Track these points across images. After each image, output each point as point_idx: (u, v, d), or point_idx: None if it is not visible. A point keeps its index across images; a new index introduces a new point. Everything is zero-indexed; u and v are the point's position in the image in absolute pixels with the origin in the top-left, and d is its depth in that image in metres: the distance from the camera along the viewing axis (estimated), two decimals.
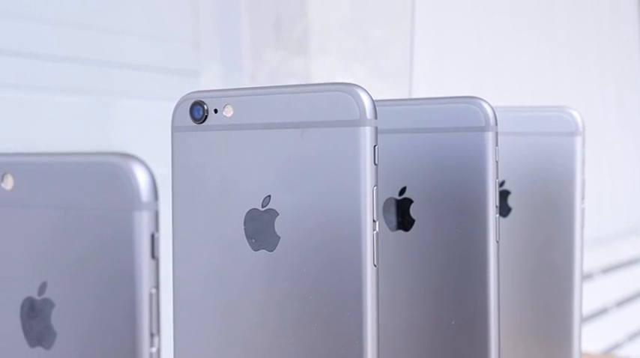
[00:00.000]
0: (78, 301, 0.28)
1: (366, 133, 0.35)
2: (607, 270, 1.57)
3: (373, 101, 0.36)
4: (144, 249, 0.26)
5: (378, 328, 0.36)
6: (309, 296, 0.36)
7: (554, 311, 0.53)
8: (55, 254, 0.28)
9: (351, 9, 1.25)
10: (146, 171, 0.26)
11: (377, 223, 0.36)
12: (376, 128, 0.36)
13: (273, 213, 0.37)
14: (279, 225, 0.37)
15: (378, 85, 1.20)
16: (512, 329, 0.53)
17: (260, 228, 0.37)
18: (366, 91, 0.36)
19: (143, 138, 0.96)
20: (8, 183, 0.29)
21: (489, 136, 0.42)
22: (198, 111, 0.39)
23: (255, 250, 0.38)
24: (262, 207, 0.37)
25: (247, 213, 0.38)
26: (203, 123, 0.38)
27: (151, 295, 0.26)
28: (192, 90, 0.39)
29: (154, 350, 0.26)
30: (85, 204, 0.28)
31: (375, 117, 0.36)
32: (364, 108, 0.35)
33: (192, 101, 0.39)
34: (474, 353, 0.43)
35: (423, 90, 1.21)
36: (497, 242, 0.43)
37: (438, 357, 0.44)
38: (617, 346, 1.58)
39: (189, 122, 0.39)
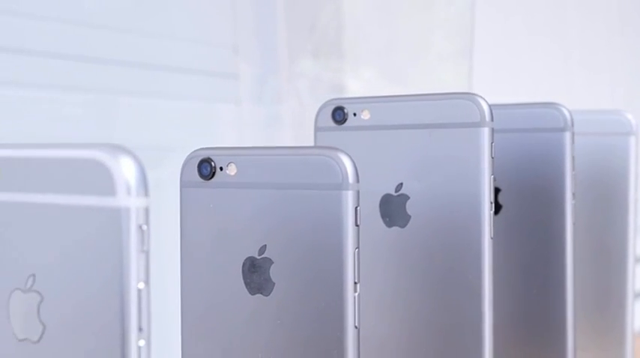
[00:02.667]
0: (292, 258, 0.37)
1: (485, 133, 0.44)
2: None
3: (490, 106, 0.45)
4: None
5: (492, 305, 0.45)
6: (436, 264, 0.45)
7: (609, 292, 0.62)
8: (274, 222, 0.37)
9: (385, 16, 1.31)
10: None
11: (493, 204, 0.45)
12: (492, 129, 0.45)
13: (405, 197, 0.46)
14: (410, 207, 0.46)
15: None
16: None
17: (393, 209, 0.46)
18: (483, 98, 0.45)
19: (187, 137, 1.03)
20: (232, 170, 0.38)
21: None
22: (340, 114, 0.48)
23: (389, 227, 0.47)
24: (395, 192, 0.46)
25: (382, 197, 0.47)
26: (344, 124, 0.47)
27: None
28: (334, 97, 0.48)
29: None
30: (297, 185, 0.36)
31: (492, 120, 0.45)
32: (484, 113, 0.44)
33: (334, 106, 0.48)
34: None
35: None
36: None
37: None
38: None
39: (331, 123, 0.48)
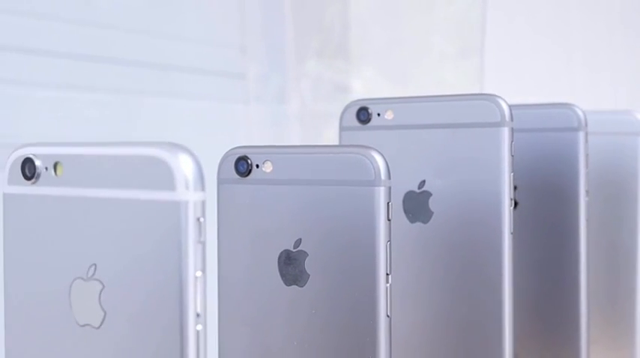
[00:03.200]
0: (326, 251, 0.39)
1: (505, 133, 0.46)
2: None
3: (510, 107, 0.47)
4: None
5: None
6: (458, 258, 0.47)
7: (619, 286, 0.64)
8: (309, 217, 0.39)
9: (393, 19, 1.33)
10: None
11: (513, 201, 0.47)
12: (512, 129, 0.47)
13: (428, 194, 0.48)
14: (432, 203, 0.48)
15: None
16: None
17: (416, 206, 0.48)
18: (504, 99, 0.47)
19: (197, 135, 1.04)
20: (268, 167, 0.40)
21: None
22: (364, 114, 0.50)
23: (412, 223, 0.49)
24: (418, 189, 0.48)
25: (405, 194, 0.49)
26: (368, 124, 0.49)
27: None
28: (358, 99, 0.50)
29: None
30: (331, 182, 0.38)
31: (512, 120, 0.47)
32: (504, 113, 0.46)
33: (359, 107, 0.50)
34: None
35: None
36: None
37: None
38: None
39: (356, 123, 0.50)
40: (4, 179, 0.32)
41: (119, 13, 0.94)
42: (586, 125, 0.55)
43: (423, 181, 0.48)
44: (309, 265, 0.39)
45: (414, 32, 1.34)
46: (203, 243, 0.29)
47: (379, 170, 0.38)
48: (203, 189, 0.29)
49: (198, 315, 0.28)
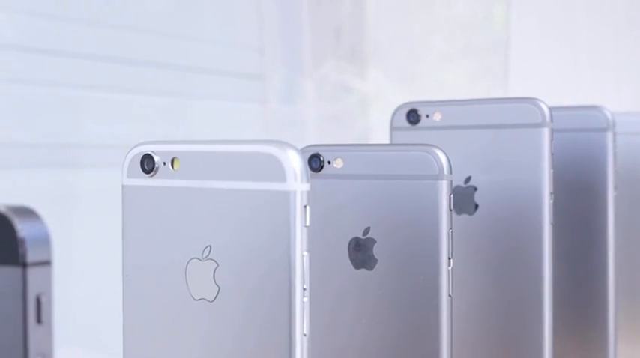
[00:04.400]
0: (393, 238, 0.43)
1: (546, 133, 0.51)
2: None
3: (550, 109, 0.51)
4: None
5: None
6: (501, 248, 0.52)
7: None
8: (378, 208, 0.44)
9: (406, 21, 1.37)
10: None
11: (552, 194, 0.51)
12: (552, 129, 0.51)
13: (473, 188, 0.53)
14: (477, 197, 0.53)
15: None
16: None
17: (463, 199, 0.53)
18: (544, 102, 0.52)
19: (217, 135, 1.09)
20: (339, 163, 0.45)
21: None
22: (414, 116, 0.54)
23: (458, 215, 0.53)
24: (464, 184, 0.53)
25: (453, 189, 0.53)
26: (418, 125, 0.54)
27: None
28: (409, 101, 0.55)
29: None
30: (398, 176, 0.43)
31: (552, 121, 0.51)
32: (544, 115, 0.51)
33: (409, 109, 0.54)
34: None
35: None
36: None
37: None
38: None
39: (405, 124, 0.54)
40: (124, 172, 0.37)
41: (147, 16, 0.97)
42: (614, 125, 0.59)
43: (469, 177, 0.53)
44: (377, 251, 0.44)
45: (433, 35, 1.38)
46: (308, 228, 0.33)
47: (442, 165, 0.43)
48: (308, 181, 0.33)
49: (304, 289, 0.33)
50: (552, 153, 0.52)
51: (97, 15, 0.91)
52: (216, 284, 0.35)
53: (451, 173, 0.43)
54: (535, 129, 0.51)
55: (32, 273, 0.32)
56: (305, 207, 0.33)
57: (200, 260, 0.35)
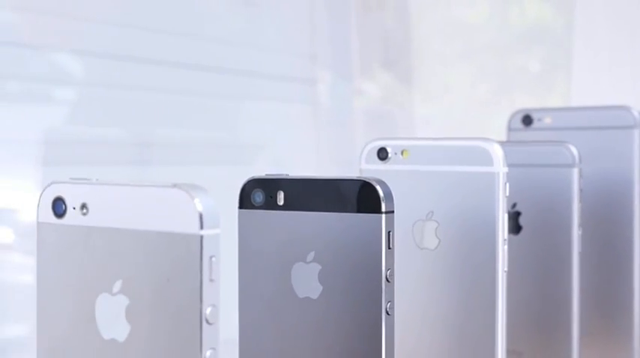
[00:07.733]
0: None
1: (636, 134, 0.62)
2: None
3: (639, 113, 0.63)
4: None
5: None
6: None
7: None
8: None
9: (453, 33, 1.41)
10: None
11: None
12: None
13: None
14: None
15: None
16: None
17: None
18: (635, 109, 0.63)
19: (272, 136, 1.13)
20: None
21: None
22: (528, 120, 0.61)
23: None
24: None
25: None
26: (531, 126, 0.64)
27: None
28: (523, 108, 0.61)
29: None
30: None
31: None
32: (636, 119, 0.63)
33: (524, 113, 0.60)
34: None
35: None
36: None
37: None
38: None
39: (520, 126, 0.64)
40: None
41: (202, 23, 1.02)
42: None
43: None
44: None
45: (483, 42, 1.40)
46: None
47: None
48: (505, 165, 0.46)
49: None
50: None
51: (175, 26, 0.97)
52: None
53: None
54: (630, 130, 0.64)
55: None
56: (506, 184, 0.47)
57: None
